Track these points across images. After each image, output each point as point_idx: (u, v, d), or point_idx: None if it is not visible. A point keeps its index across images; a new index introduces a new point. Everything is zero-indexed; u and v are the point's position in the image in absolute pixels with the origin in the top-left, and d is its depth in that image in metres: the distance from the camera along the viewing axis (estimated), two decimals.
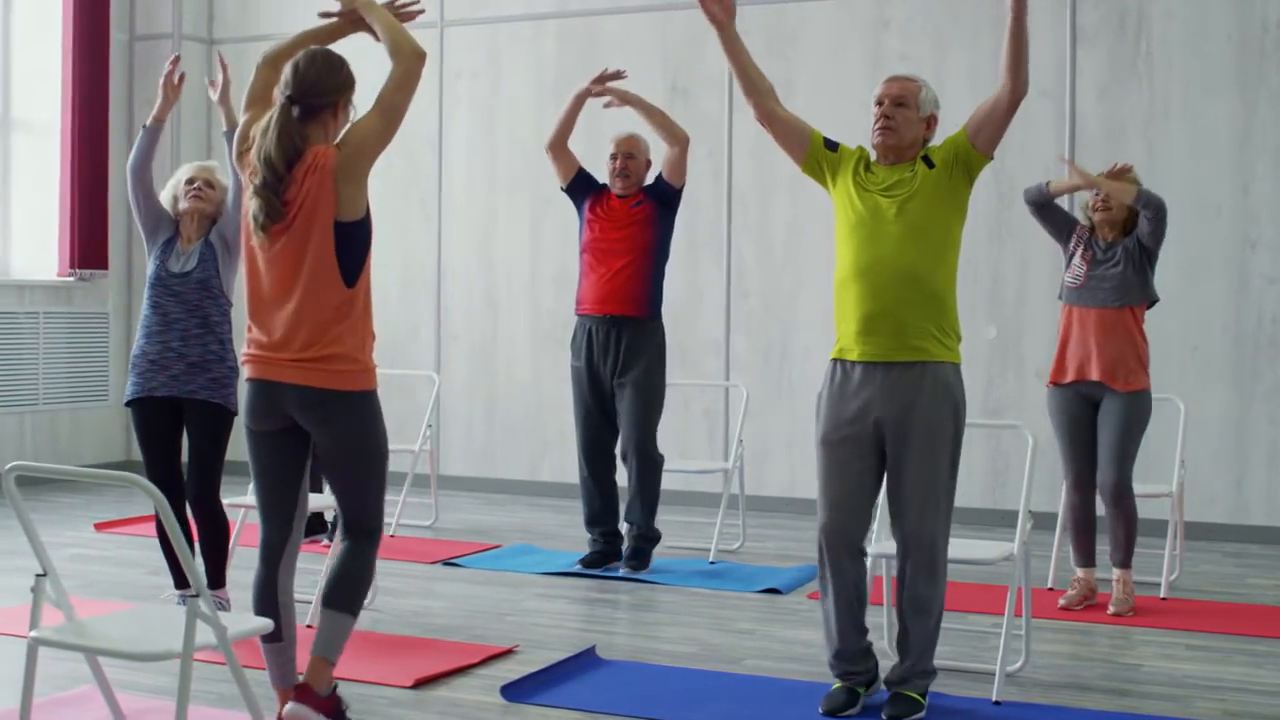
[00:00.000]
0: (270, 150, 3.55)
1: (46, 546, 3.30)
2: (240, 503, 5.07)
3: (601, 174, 6.25)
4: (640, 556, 6.13)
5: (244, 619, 3.58)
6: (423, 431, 7.26)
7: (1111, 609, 5.40)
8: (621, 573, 6.07)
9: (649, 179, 6.21)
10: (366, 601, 5.08)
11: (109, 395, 8.99)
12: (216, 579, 5.00)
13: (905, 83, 4.15)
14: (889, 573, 4.50)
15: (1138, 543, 5.56)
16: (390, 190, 8.38)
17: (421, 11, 4.08)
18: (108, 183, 8.77)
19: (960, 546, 4.35)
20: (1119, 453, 5.39)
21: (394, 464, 7.16)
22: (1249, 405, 7.12)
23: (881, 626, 4.58)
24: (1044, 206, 5.55)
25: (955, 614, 5.02)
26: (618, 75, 6.18)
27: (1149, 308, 5.50)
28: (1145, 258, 5.42)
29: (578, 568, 6.16)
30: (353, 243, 3.61)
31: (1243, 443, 7.13)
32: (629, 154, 6.15)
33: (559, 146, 6.20)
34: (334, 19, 3.91)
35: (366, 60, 4.10)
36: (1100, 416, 5.45)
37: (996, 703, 4.21)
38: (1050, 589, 5.76)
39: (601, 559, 6.18)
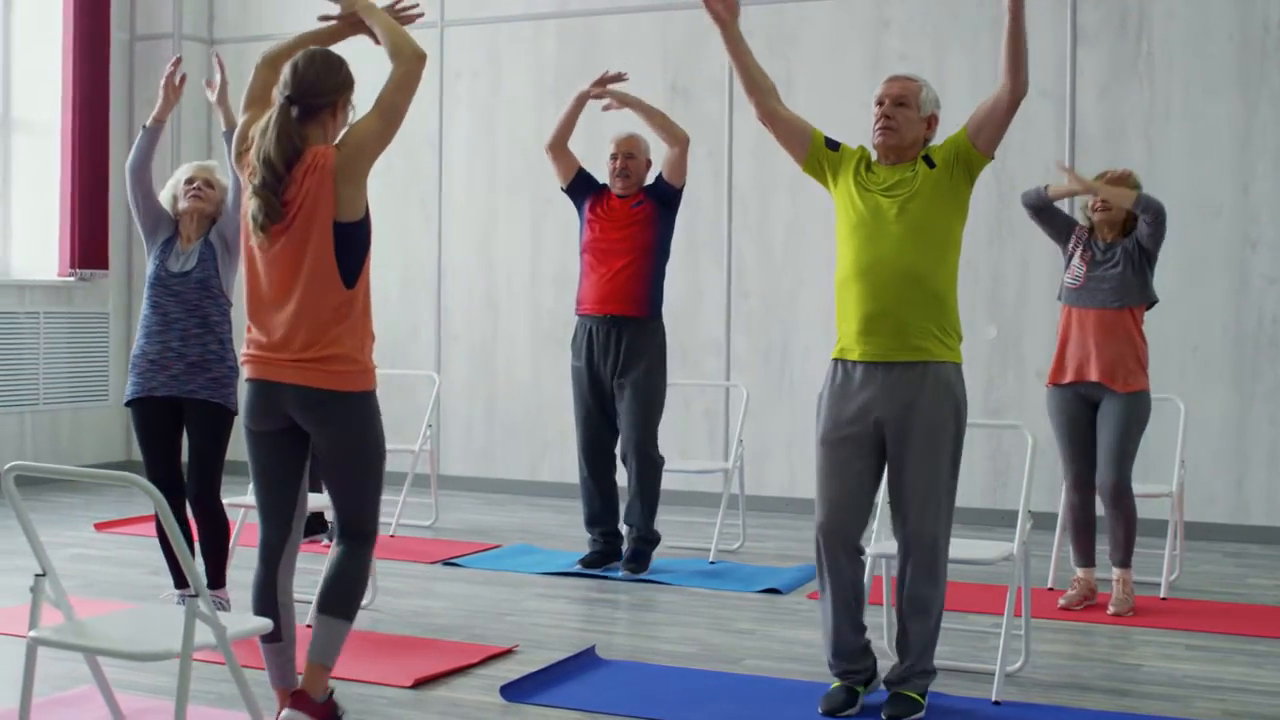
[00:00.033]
0: (270, 150, 3.55)
1: (47, 546, 3.30)
2: (240, 503, 5.08)
3: (601, 174, 6.25)
4: (640, 559, 6.12)
5: (243, 619, 3.58)
6: (423, 431, 7.26)
7: (1111, 609, 5.40)
8: (621, 574, 6.07)
9: (649, 179, 6.21)
10: (366, 601, 5.10)
11: (109, 395, 8.99)
12: (216, 579, 5.00)
13: (906, 82, 4.15)
14: (889, 573, 4.51)
15: (1138, 543, 5.56)
16: (390, 190, 8.39)
17: (421, 15, 4.08)
18: (108, 183, 8.77)
19: (960, 546, 4.34)
20: (1118, 453, 5.39)
21: (394, 464, 7.17)
22: (1249, 405, 7.12)
23: (881, 626, 4.58)
24: (1042, 210, 5.55)
25: (955, 614, 5.02)
26: (619, 78, 6.18)
27: (1148, 309, 5.49)
28: (1144, 259, 5.41)
29: (578, 568, 6.16)
30: (352, 243, 3.61)
31: (1243, 443, 7.13)
32: (629, 154, 6.15)
33: (559, 147, 6.20)
34: (333, 22, 3.91)
35: (366, 62, 4.10)
36: (1099, 417, 5.45)
37: (996, 703, 4.21)
38: (1050, 589, 5.76)
39: (601, 559, 6.18)
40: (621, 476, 6.20)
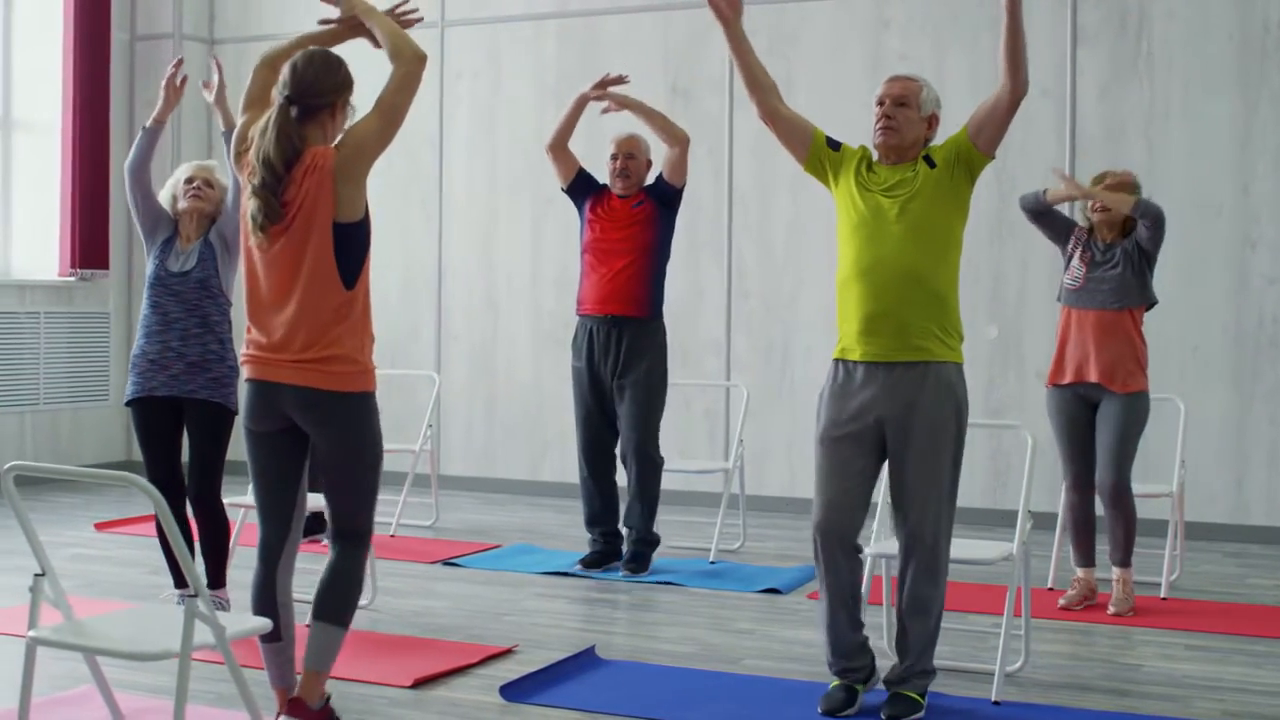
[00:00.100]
0: (269, 150, 3.54)
1: (47, 546, 3.30)
2: (240, 503, 5.07)
3: (602, 174, 6.25)
4: (639, 560, 6.12)
5: (243, 619, 3.58)
6: (423, 431, 7.26)
7: (1111, 609, 5.40)
8: (621, 575, 6.07)
9: (650, 179, 6.21)
10: (366, 601, 5.11)
11: (109, 395, 8.99)
12: (217, 579, 5.00)
13: (906, 82, 4.15)
14: (889, 572, 4.50)
15: (1138, 543, 5.56)
16: (391, 190, 8.39)
17: (420, 19, 4.08)
18: (108, 183, 8.77)
19: (960, 546, 4.34)
20: (1117, 454, 5.39)
21: (395, 464, 7.18)
22: (1249, 405, 7.12)
23: (881, 626, 4.58)
24: (1041, 214, 5.55)
25: (955, 614, 5.02)
26: (619, 80, 6.18)
27: (1147, 310, 5.49)
28: (1144, 260, 5.41)
29: (578, 568, 6.16)
30: (352, 244, 3.60)
31: (1243, 443, 7.13)
32: (629, 154, 6.15)
33: (559, 148, 6.20)
34: (333, 25, 3.91)
35: (367, 64, 4.10)
36: (1099, 418, 5.46)
37: (996, 703, 4.21)
38: (1050, 589, 5.76)
39: (601, 559, 6.18)
40: (621, 477, 6.20)
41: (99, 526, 7.18)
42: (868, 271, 4.03)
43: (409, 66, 3.65)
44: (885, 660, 4.31)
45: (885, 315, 4.01)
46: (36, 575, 3.23)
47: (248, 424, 3.70)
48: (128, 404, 4.99)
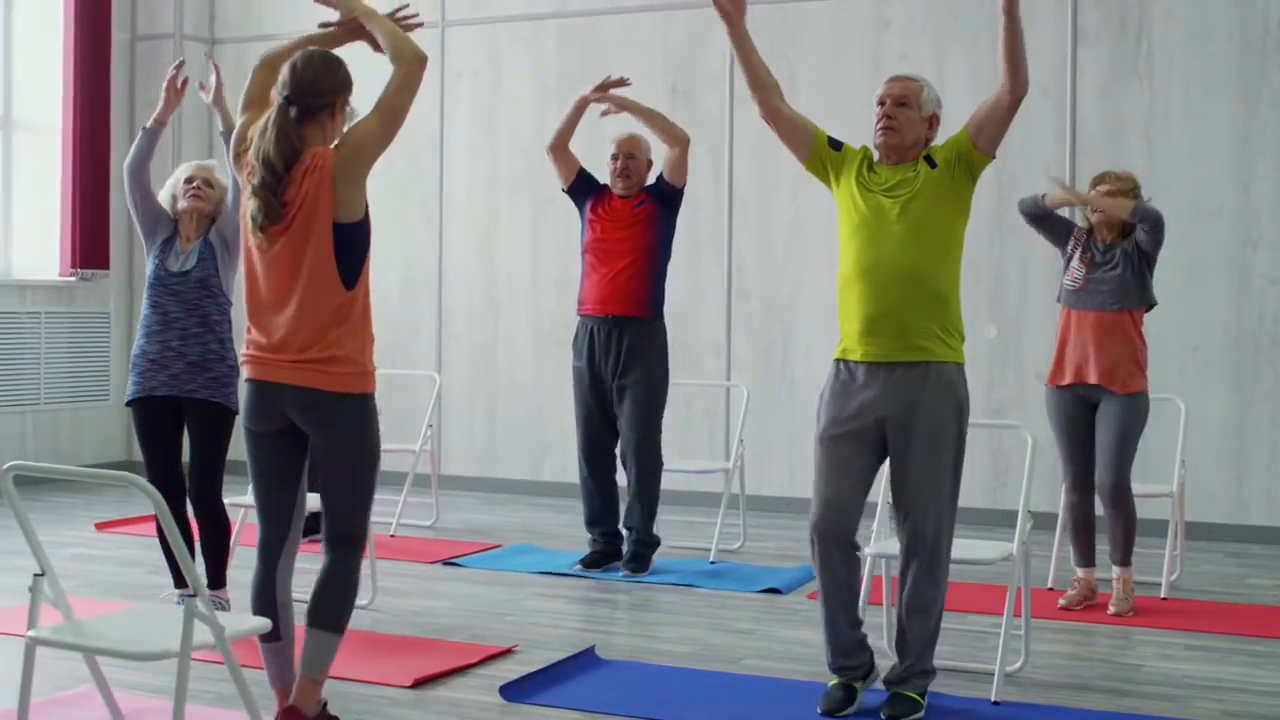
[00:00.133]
0: (269, 150, 3.54)
1: (47, 546, 3.31)
2: (240, 503, 5.08)
3: (602, 175, 6.25)
4: (639, 560, 6.12)
5: (242, 619, 3.58)
6: (424, 431, 7.26)
7: (1111, 609, 5.40)
8: (621, 575, 6.07)
9: (650, 179, 6.21)
10: (366, 601, 5.11)
11: (110, 395, 8.99)
12: (217, 579, 5.00)
13: (907, 82, 4.15)
14: (889, 572, 4.50)
15: (1138, 543, 5.56)
16: (391, 190, 8.39)
17: (420, 24, 4.07)
18: (109, 183, 8.77)
19: (960, 546, 4.34)
20: (1117, 454, 5.39)
21: (395, 464, 7.18)
22: (1249, 405, 7.12)
23: (881, 626, 4.58)
24: (1040, 217, 5.54)
25: (955, 614, 5.02)
26: (620, 83, 6.18)
27: (1147, 310, 5.49)
28: (1144, 261, 5.41)
29: (578, 568, 6.16)
30: (352, 244, 3.60)
31: (1243, 443, 7.13)
32: (630, 154, 6.15)
33: (560, 149, 6.20)
34: (333, 28, 3.91)
35: (366, 65, 4.10)
36: (1098, 418, 5.46)
37: (996, 703, 4.21)
38: (1050, 589, 5.76)
39: (601, 559, 6.18)
40: (621, 477, 6.20)
41: (99, 526, 7.18)
42: (869, 272, 4.03)
43: (410, 67, 3.65)
44: (885, 660, 4.31)
45: (886, 315, 4.01)
46: (36, 575, 3.23)
47: (247, 424, 3.70)
48: (128, 404, 4.99)
